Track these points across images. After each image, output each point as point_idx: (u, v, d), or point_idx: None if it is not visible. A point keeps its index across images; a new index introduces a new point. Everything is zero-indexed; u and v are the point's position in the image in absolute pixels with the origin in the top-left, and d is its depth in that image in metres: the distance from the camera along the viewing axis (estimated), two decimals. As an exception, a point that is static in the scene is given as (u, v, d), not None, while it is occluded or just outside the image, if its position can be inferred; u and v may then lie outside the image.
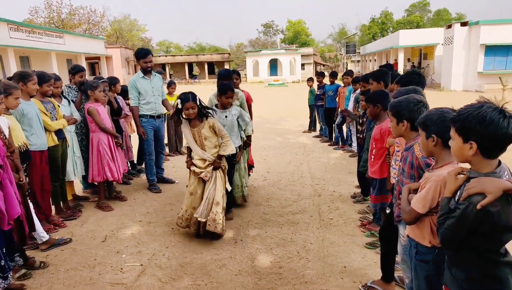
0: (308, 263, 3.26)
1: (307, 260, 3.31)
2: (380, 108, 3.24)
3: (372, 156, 3.32)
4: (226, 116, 4.03)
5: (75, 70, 4.98)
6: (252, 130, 4.52)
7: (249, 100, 4.82)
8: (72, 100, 4.68)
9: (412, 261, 2.01)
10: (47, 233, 3.66)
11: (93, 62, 31.33)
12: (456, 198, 1.56)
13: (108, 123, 4.63)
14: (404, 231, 2.32)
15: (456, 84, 21.55)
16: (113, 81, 5.59)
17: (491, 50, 20.56)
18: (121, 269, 3.25)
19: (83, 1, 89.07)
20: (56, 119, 4.08)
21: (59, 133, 4.14)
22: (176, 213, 4.48)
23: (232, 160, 4.06)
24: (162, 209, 4.64)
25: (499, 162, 1.53)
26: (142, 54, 5.14)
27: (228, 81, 4.29)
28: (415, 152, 2.12)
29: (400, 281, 2.82)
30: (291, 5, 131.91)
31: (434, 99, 14.65)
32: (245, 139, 4.33)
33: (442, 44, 23.66)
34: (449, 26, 22.33)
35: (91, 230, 4.04)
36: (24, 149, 3.40)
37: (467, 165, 1.62)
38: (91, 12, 44.33)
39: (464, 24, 21.46)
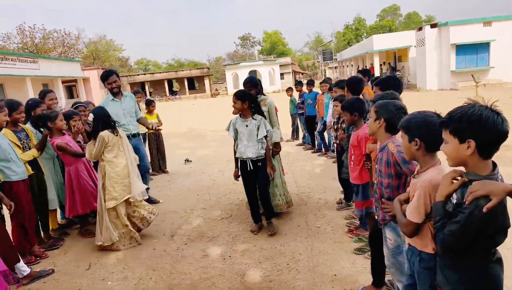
0: (298, 274, 3.23)
1: (297, 271, 3.29)
2: (357, 116, 3.29)
3: (352, 163, 3.35)
4: (246, 125, 4.03)
5: (40, 96, 4.88)
6: (281, 138, 4.60)
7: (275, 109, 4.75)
8: None
9: (415, 269, 1.95)
10: (28, 266, 3.53)
11: (70, 85, 30.92)
12: (454, 201, 1.54)
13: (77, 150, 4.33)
14: (391, 234, 2.33)
15: (431, 84, 22.15)
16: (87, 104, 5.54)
17: (462, 49, 21.28)
18: (107, 297, 3.15)
19: (56, 25, 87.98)
20: (30, 148, 3.98)
21: (33, 163, 3.98)
22: (162, 233, 4.41)
23: (257, 170, 4.05)
24: (146, 231, 4.53)
25: (494, 165, 1.52)
26: (104, 76, 5.02)
27: (244, 89, 4.23)
28: (389, 149, 2.18)
29: (391, 285, 2.82)
30: (266, 16, 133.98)
31: (412, 100, 15.06)
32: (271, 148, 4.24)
33: (414, 46, 24.33)
34: (420, 29, 23.05)
35: (74, 259, 3.91)
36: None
37: (459, 168, 1.60)
38: (66, 35, 44.04)
39: (434, 25, 22.18)
